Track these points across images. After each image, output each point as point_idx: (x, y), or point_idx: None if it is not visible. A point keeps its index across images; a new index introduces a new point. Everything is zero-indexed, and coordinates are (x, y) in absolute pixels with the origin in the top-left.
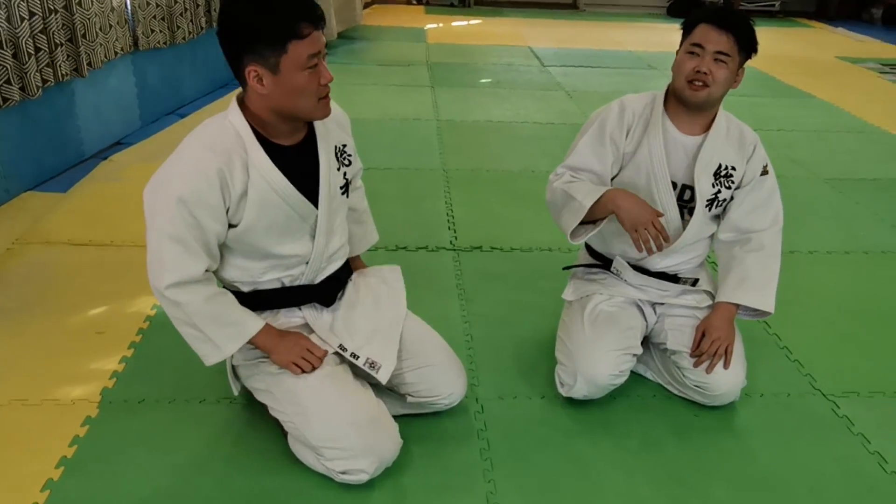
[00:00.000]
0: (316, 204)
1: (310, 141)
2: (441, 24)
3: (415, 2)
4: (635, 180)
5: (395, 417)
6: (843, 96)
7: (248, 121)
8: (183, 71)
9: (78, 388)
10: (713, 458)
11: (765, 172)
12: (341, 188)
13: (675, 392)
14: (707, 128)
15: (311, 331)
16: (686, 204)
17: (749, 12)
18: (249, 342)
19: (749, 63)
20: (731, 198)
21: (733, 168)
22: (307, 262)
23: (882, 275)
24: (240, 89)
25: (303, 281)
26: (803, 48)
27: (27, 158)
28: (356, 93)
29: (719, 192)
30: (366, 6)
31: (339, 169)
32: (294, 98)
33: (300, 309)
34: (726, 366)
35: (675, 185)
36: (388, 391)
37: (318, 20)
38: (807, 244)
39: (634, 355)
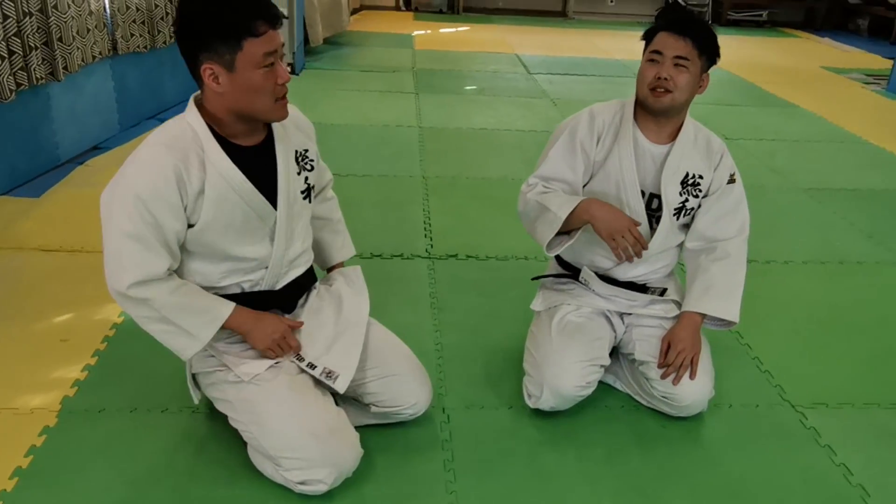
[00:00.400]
0: (275, 206)
1: (269, 143)
2: (429, 31)
3: (404, 8)
4: (605, 189)
5: (360, 427)
6: (825, 106)
7: (205, 121)
8: (163, 75)
9: (38, 397)
10: (678, 470)
11: (732, 181)
12: (303, 193)
13: (644, 403)
14: (674, 136)
15: None
16: (654, 213)
17: (737, 22)
18: (225, 326)
19: (733, 72)
20: (699, 206)
21: (700, 176)
22: (267, 267)
23: (856, 285)
24: (199, 91)
25: (263, 286)
26: (789, 58)
27: (1, 164)
28: (338, 98)
29: (686, 200)
30: (354, 12)
31: (299, 173)
32: (250, 97)
33: None
34: (692, 377)
35: (643, 193)
36: (352, 401)
37: (273, 19)
38: (783, 254)
39: (602, 366)
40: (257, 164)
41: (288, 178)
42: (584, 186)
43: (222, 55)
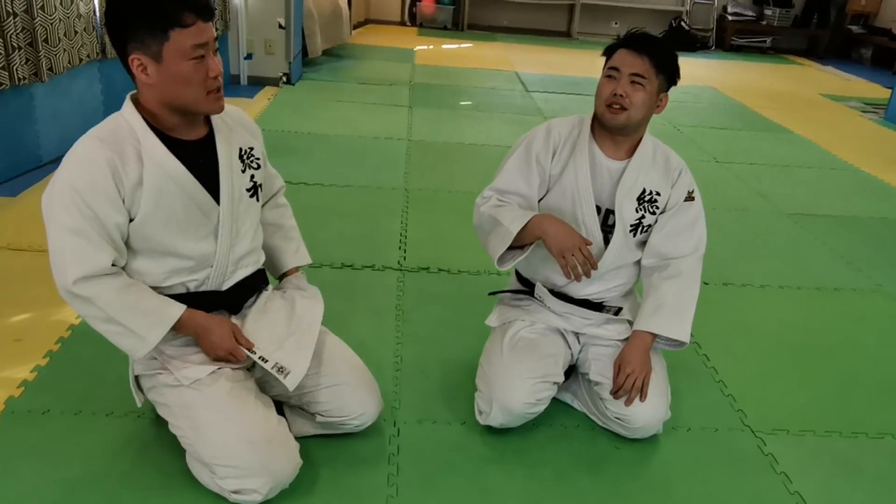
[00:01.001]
0: (218, 201)
1: (211, 138)
2: (431, 46)
3: (409, 23)
4: (560, 204)
5: (307, 438)
6: (819, 132)
7: (142, 115)
8: None
9: None
10: (627, 492)
11: (690, 198)
12: (248, 190)
13: (599, 423)
14: (632, 152)
15: None
16: (610, 228)
17: (740, 48)
18: (175, 328)
19: (730, 95)
20: (656, 222)
21: (658, 193)
22: (212, 266)
23: (830, 311)
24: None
25: (209, 286)
26: (789, 84)
27: None
28: (331, 109)
29: (643, 217)
30: (359, 25)
31: (244, 171)
32: (179, 87)
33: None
34: (642, 398)
35: (599, 209)
36: (298, 409)
37: (203, 10)
38: (760, 278)
39: (555, 383)
40: (198, 159)
41: (231, 173)
42: (539, 201)
43: (149, 46)
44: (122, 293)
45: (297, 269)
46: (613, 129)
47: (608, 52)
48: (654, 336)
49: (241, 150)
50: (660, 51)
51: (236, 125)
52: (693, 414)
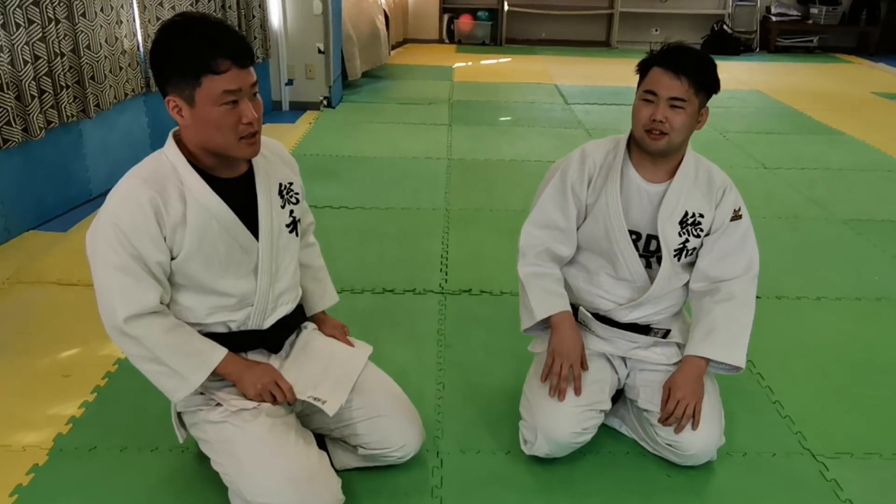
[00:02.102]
0: (257, 237)
1: (250, 175)
2: (470, 63)
3: (447, 41)
4: (594, 232)
5: (348, 471)
6: (873, 133)
7: (184, 154)
8: None
9: (31, 434)
10: None
11: (737, 217)
12: (288, 226)
13: (649, 450)
14: (673, 173)
15: None
16: (653, 254)
17: (786, 49)
18: (216, 372)
19: (778, 98)
20: (702, 245)
21: (701, 215)
22: (253, 304)
23: (893, 324)
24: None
25: (250, 325)
26: (838, 84)
27: (29, 198)
28: (372, 131)
29: (687, 240)
30: (398, 45)
31: (283, 206)
32: (210, 132)
33: (247, 354)
34: (694, 426)
35: (639, 235)
36: (340, 442)
37: (240, 57)
38: (815, 290)
39: (602, 411)
40: (238, 197)
41: (270, 210)
42: (578, 229)
43: (182, 89)
44: (170, 334)
45: (324, 312)
46: (654, 153)
47: (642, 68)
48: (707, 361)
49: (280, 185)
50: (698, 69)
51: (276, 159)
52: (748, 438)
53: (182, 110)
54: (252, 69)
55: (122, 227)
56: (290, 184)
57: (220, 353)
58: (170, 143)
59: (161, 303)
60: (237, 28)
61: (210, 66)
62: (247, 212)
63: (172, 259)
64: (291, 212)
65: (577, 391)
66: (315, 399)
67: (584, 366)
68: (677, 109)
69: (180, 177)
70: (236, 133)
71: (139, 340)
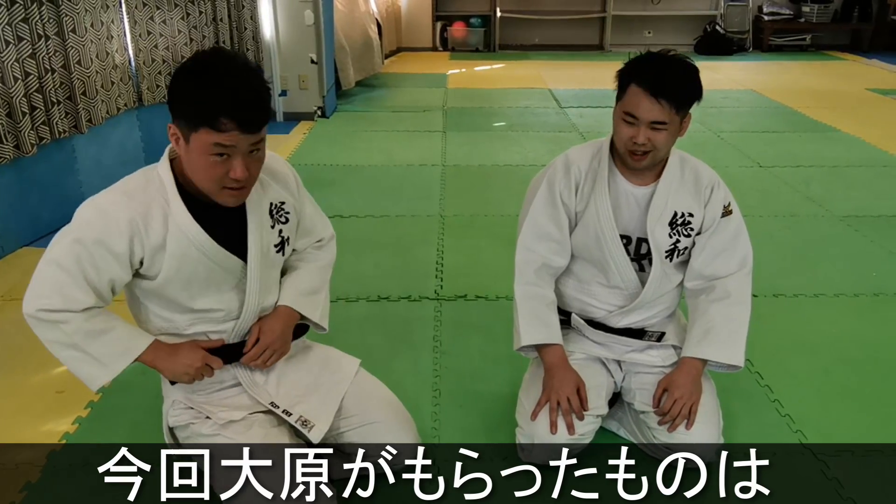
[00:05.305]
0: (243, 258)
1: None
2: (464, 70)
3: (441, 49)
4: (585, 240)
5: (343, 480)
6: (868, 129)
7: (175, 173)
8: None
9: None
10: None
11: (727, 213)
12: (276, 246)
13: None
14: (659, 175)
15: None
16: (644, 257)
17: (779, 47)
18: (139, 360)
19: (771, 97)
20: (693, 244)
21: (691, 214)
22: (237, 318)
23: (892, 319)
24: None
25: (233, 338)
26: (832, 81)
27: (23, 215)
28: (366, 140)
29: (678, 241)
30: (391, 54)
31: (273, 226)
32: (195, 174)
33: (233, 367)
34: (689, 426)
35: (630, 239)
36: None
37: (247, 124)
38: (812, 287)
39: (598, 416)
40: (225, 219)
41: (260, 231)
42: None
43: (182, 126)
44: (90, 320)
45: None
46: (638, 170)
47: (621, 82)
48: (705, 362)
49: (271, 204)
50: (678, 87)
51: (267, 179)
52: (748, 437)
53: (179, 140)
54: (258, 132)
55: (85, 240)
56: (282, 203)
57: (145, 340)
58: (164, 162)
59: (88, 308)
60: (247, 67)
61: (211, 122)
62: (235, 232)
63: (148, 279)
64: (280, 231)
65: (579, 417)
66: (303, 423)
67: (584, 404)
68: (659, 131)
69: (167, 198)
70: (219, 183)
71: (56, 325)
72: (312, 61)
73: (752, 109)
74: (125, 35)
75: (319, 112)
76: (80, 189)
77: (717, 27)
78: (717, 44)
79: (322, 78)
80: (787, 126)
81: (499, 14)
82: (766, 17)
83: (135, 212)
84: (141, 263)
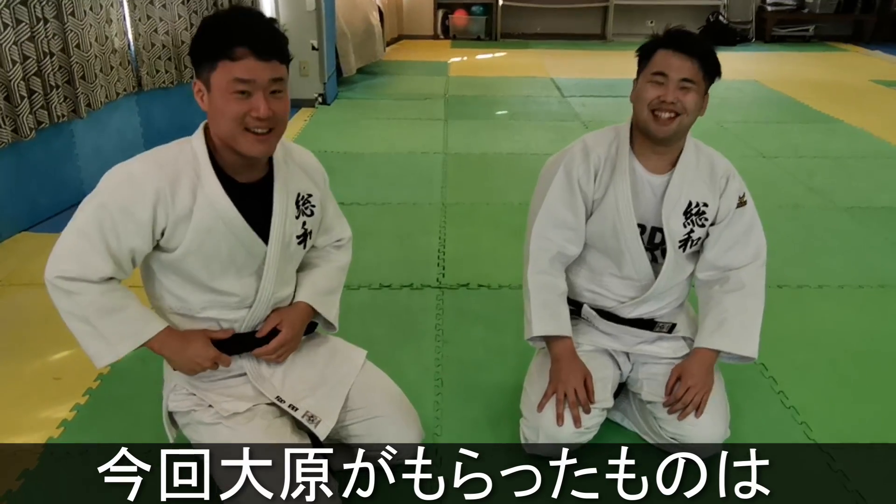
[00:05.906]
0: (266, 243)
1: (269, 181)
2: (465, 58)
3: (442, 37)
4: (601, 228)
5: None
6: (872, 120)
7: (208, 147)
8: (193, 110)
9: (22, 438)
10: None
11: (742, 204)
12: (298, 237)
13: (652, 443)
14: (675, 163)
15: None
16: (657, 247)
17: (782, 38)
18: (148, 345)
19: (775, 88)
20: (707, 235)
21: (705, 204)
22: (250, 306)
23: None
24: None
25: (243, 328)
26: (836, 72)
27: (21, 199)
28: (367, 127)
29: (692, 231)
30: (393, 41)
31: (298, 217)
32: (219, 120)
33: (240, 357)
34: (698, 415)
35: (644, 228)
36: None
37: (260, 48)
38: (817, 278)
39: (604, 409)
40: (253, 201)
41: (285, 218)
42: None
43: (203, 74)
44: (106, 295)
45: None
46: (661, 139)
47: (645, 53)
48: (718, 353)
49: (298, 195)
50: (707, 51)
51: (297, 169)
52: (753, 429)
53: (203, 95)
54: (277, 64)
55: (110, 206)
56: (309, 195)
57: (156, 325)
58: (198, 134)
59: (105, 278)
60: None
61: (227, 51)
62: (260, 217)
63: (167, 252)
64: (304, 223)
65: (587, 410)
66: (310, 419)
67: (591, 397)
68: (688, 90)
69: (198, 170)
70: (240, 124)
71: (70, 295)
72: (313, 48)
73: (755, 100)
74: (125, 19)
75: (320, 99)
76: (79, 174)
77: (721, 17)
78: (721, 34)
79: (323, 64)
80: (790, 117)
81: (500, 2)
82: (769, 8)
83: (163, 181)
84: (162, 234)
